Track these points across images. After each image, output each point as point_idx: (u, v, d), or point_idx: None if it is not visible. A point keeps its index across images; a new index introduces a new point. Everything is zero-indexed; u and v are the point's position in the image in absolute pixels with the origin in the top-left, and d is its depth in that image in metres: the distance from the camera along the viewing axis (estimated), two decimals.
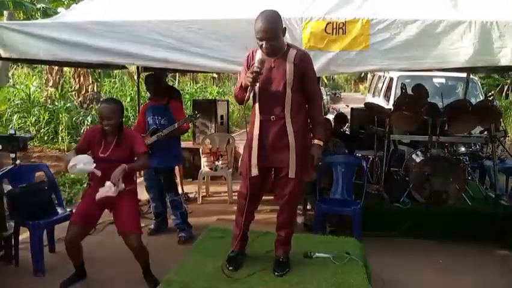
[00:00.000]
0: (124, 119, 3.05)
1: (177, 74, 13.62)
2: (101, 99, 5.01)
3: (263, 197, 2.79)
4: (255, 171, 2.57)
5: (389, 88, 8.37)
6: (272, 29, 2.39)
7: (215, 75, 18.50)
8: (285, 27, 2.53)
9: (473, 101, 5.05)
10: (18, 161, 2.43)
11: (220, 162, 5.42)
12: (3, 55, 3.38)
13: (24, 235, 3.57)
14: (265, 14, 2.42)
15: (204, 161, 5.49)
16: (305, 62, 2.52)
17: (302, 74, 2.50)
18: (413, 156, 4.63)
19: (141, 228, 3.02)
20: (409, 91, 5.09)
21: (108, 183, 2.82)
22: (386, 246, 3.87)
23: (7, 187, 3.50)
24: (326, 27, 3.13)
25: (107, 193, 2.82)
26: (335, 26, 3.13)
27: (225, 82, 19.93)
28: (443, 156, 4.42)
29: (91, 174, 3.02)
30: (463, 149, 5.20)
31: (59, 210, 3.57)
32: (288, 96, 2.49)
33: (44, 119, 8.81)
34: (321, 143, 2.57)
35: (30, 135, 2.66)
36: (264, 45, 2.41)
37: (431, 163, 4.26)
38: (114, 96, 11.36)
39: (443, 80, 8.05)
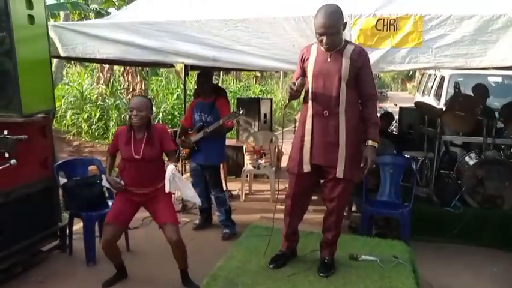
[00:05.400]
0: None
1: (221, 72, 13.80)
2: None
3: None
4: (307, 167, 2.52)
5: (440, 87, 8.01)
6: (333, 24, 2.33)
7: (258, 73, 18.60)
8: (345, 22, 2.45)
9: None
10: (13, 160, 2.60)
11: (263, 160, 5.41)
12: (63, 54, 3.54)
13: (78, 226, 3.75)
14: (327, 8, 2.35)
15: (247, 159, 5.51)
16: (362, 59, 2.44)
17: (358, 70, 2.42)
18: (466, 158, 4.42)
19: (178, 220, 3.01)
20: (463, 90, 4.86)
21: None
22: (435, 251, 3.74)
23: (62, 180, 3.67)
24: (376, 23, 3.04)
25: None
26: (385, 23, 3.03)
27: (268, 81, 19.94)
28: (499, 159, 4.19)
29: (120, 173, 3.03)
30: None
31: (110, 202, 3.67)
32: (342, 91, 2.41)
33: (95, 115, 9.23)
34: (376, 144, 2.46)
35: (24, 137, 2.82)
36: (324, 41, 2.36)
37: (485, 166, 4.05)
38: (161, 95, 11.70)
39: (499, 79, 7.60)
